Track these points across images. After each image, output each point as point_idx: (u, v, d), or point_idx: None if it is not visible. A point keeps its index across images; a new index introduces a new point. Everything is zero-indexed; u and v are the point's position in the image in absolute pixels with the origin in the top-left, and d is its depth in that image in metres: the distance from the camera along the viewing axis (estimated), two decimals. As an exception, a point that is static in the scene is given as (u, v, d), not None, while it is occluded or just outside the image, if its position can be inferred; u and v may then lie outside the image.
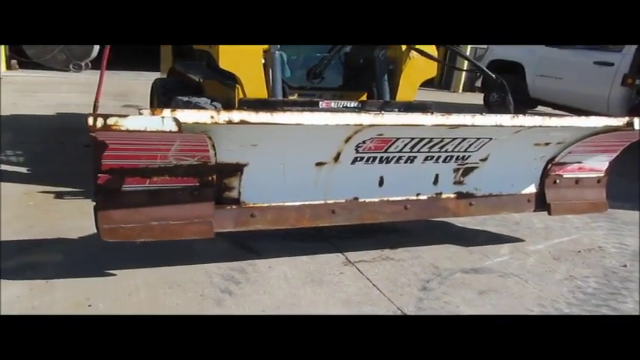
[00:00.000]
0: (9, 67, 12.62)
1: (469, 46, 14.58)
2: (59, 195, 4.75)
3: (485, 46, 12.20)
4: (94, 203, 3.06)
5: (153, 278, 3.48)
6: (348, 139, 3.35)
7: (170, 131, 2.61)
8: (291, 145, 3.28)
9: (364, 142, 3.41)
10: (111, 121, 2.58)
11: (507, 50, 10.45)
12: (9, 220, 4.17)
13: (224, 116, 2.73)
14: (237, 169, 3.27)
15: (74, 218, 4.24)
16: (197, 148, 2.99)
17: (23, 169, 5.50)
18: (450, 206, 4.03)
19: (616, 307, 3.65)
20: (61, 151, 6.19)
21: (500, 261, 4.21)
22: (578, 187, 4.41)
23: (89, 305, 3.14)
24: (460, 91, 15.48)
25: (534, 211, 4.36)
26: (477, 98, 12.71)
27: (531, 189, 4.28)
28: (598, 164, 4.39)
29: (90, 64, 13.57)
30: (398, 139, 3.49)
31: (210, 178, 3.16)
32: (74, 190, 4.83)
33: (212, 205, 3.25)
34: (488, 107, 11.03)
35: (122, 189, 3.00)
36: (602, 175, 4.46)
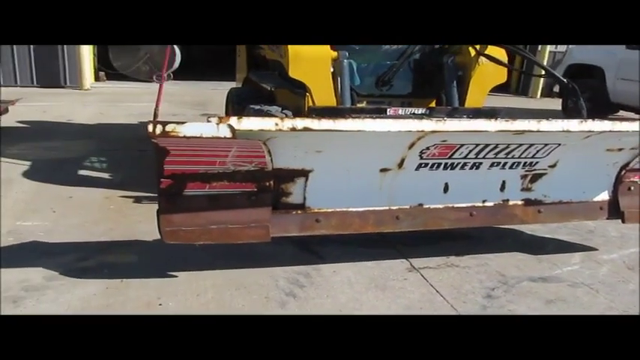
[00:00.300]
0: (97, 78, 13.29)
1: (547, 50, 14.25)
2: (138, 200, 4.98)
3: (564, 50, 11.87)
4: (157, 207, 3.21)
5: (221, 280, 3.60)
6: (411, 146, 3.38)
7: (225, 137, 2.72)
8: (356, 151, 3.34)
9: (428, 148, 3.43)
10: (169, 127, 2.72)
11: (586, 54, 10.16)
12: (90, 222, 4.42)
13: (288, 123, 2.82)
14: (302, 174, 3.36)
15: (150, 222, 4.36)
16: (253, 154, 3.08)
17: (106, 175, 5.81)
18: (517, 213, 3.98)
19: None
20: (141, 158, 6.45)
21: (570, 270, 4.11)
22: (654, 194, 4.25)
23: (159, 304, 3.29)
24: (538, 96, 15.08)
25: (607, 219, 4.25)
26: (556, 104, 12.37)
27: (604, 196, 4.17)
28: (675, 171, 4.23)
29: (172, 74, 14.08)
30: (462, 145, 3.49)
31: (267, 184, 3.26)
32: (152, 195, 5.02)
33: (269, 210, 3.34)
34: (566, 113, 10.73)
35: (183, 193, 3.14)
36: (680, 182, 4.28)
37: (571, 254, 4.40)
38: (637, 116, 9.40)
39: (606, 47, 9.32)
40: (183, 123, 2.74)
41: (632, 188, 4.19)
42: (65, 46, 11.77)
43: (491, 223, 4.05)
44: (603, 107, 9.74)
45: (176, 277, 3.61)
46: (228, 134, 2.73)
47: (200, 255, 3.75)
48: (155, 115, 3.44)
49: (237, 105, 5.80)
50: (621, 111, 10.21)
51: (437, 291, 3.65)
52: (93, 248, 3.97)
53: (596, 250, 4.52)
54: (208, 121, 2.74)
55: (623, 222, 4.22)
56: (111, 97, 11.10)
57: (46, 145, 6.88)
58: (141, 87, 12.78)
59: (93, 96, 11.18)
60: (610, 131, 3.51)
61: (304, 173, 3.37)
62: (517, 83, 15.31)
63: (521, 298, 3.64)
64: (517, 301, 3.60)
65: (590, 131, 3.52)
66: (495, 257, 4.21)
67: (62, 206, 4.77)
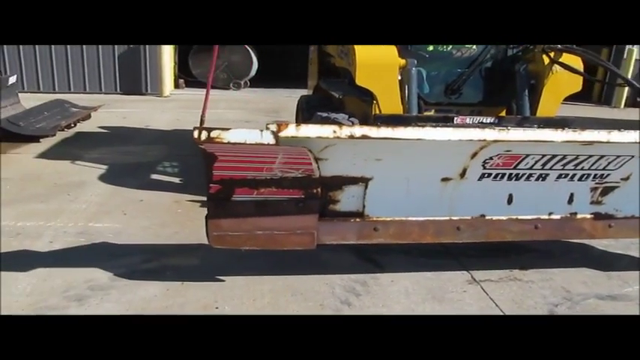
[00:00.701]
0: (176, 86, 13.71)
1: (634, 58, 13.62)
2: (204, 204, 5.08)
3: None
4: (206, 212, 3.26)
5: (278, 286, 3.64)
6: (474, 155, 3.31)
7: (268, 144, 2.73)
8: (416, 160, 3.30)
9: (491, 158, 3.36)
10: (214, 134, 2.77)
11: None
12: (157, 225, 4.56)
13: (346, 131, 2.83)
14: (361, 182, 3.35)
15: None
16: (300, 161, 3.08)
17: (176, 180, 5.97)
18: (585, 227, 3.83)
19: None
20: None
21: (642, 289, 3.93)
22: None
23: (216, 307, 3.36)
24: (622, 106, 14.42)
25: None
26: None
27: (683, 211, 3.94)
28: None
29: (248, 82, 14.38)
30: (528, 155, 3.39)
31: (314, 191, 3.24)
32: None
33: (316, 217, 3.34)
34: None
35: (232, 199, 3.17)
36: None
37: (644, 272, 4.19)
38: None
39: None
40: (227, 129, 2.78)
41: None
42: (147, 54, 12.23)
43: (558, 236, 3.91)
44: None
45: (235, 281, 3.67)
46: (272, 141, 2.76)
47: (259, 260, 3.81)
48: (201, 122, 3.51)
49: (306, 112, 5.85)
50: None
51: (496, 305, 3.56)
52: (158, 250, 4.09)
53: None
54: (267, 128, 2.78)
55: None
56: (188, 103, 11.41)
57: (123, 150, 7.15)
58: (218, 94, 13.10)
59: (171, 103, 11.53)
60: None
61: (363, 181, 3.35)
62: (599, 92, 14.70)
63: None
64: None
65: None
66: (561, 272, 4.06)
67: (133, 209, 4.95)
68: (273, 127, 2.75)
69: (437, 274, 3.92)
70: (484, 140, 3.08)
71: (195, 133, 2.81)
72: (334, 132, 2.81)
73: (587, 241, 4.42)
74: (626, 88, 13.64)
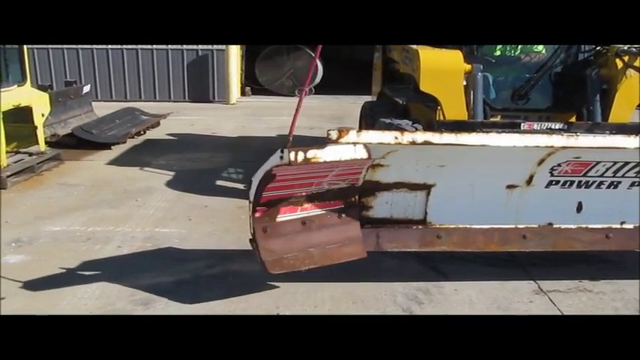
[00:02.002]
0: (243, 93, 13.93)
1: None
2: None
3: None
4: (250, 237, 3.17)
5: (339, 293, 3.62)
6: (541, 162, 3.22)
7: (361, 159, 2.69)
8: (480, 166, 3.24)
9: (559, 165, 3.26)
10: (310, 154, 2.68)
11: None
12: (221, 231, 4.62)
13: (408, 137, 2.79)
14: (423, 188, 3.31)
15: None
16: (352, 171, 3.04)
17: (240, 186, 6.03)
18: (661, 238, 3.65)
19: None
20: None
21: None
22: None
23: (277, 314, 3.36)
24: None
25: None
26: None
27: None
28: None
29: (313, 89, 14.46)
30: (599, 162, 3.28)
31: (353, 199, 3.21)
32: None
33: (358, 225, 3.29)
34: None
35: (277, 219, 3.11)
36: None
37: None
38: None
39: None
40: (322, 147, 2.69)
41: None
42: (215, 62, 12.50)
43: (631, 247, 3.74)
44: None
45: (296, 287, 3.66)
46: (365, 155, 2.71)
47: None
48: (290, 141, 3.40)
49: (369, 118, 5.83)
50: None
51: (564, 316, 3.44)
52: (222, 256, 4.14)
53: None
54: (328, 135, 2.76)
55: None
56: (254, 110, 11.57)
57: (189, 157, 7.30)
58: (283, 101, 13.22)
59: (238, 110, 11.72)
60: None
61: (426, 187, 3.31)
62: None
63: (662, 331, 3.33)
64: (657, 334, 3.30)
65: None
66: (634, 284, 3.88)
67: (198, 215, 5.04)
68: (334, 134, 2.74)
69: (502, 283, 3.81)
70: (551, 147, 2.99)
71: (292, 155, 2.67)
72: (396, 138, 2.78)
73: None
74: None
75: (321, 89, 14.36)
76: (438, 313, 3.42)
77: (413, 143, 2.79)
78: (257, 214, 3.08)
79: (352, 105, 12.03)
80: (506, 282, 3.83)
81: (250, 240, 3.20)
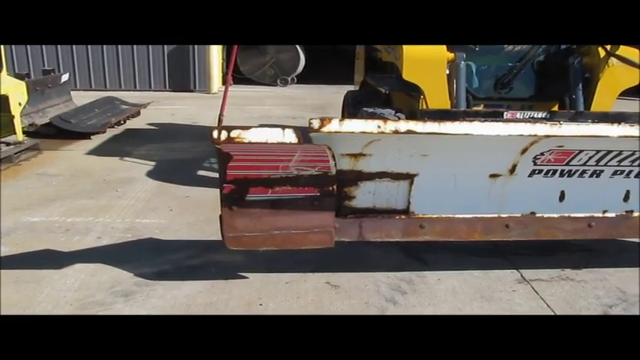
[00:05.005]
0: (224, 82, 13.83)
1: None
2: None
3: None
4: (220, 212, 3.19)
5: (322, 283, 3.59)
6: (524, 151, 3.21)
7: (290, 143, 2.68)
8: (463, 155, 3.21)
9: (542, 153, 3.24)
10: (234, 134, 2.73)
11: None
12: (203, 221, 4.57)
13: (390, 126, 2.76)
14: (406, 178, 3.28)
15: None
16: (317, 158, 3.02)
17: (220, 176, 5.98)
18: (642, 226, 3.67)
19: None
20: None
21: (702, 290, 3.74)
22: None
23: (260, 305, 3.33)
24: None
25: None
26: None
27: None
28: None
29: (295, 78, 14.41)
30: (581, 151, 3.27)
31: (330, 188, 3.17)
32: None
33: (332, 214, 3.26)
34: None
35: (246, 198, 3.10)
36: None
37: None
38: None
39: None
40: (248, 128, 2.75)
41: None
42: (196, 52, 12.38)
43: (613, 235, 3.76)
44: None
45: (279, 277, 3.64)
46: (294, 139, 2.70)
47: (303, 257, 3.76)
48: (219, 121, 3.47)
49: (352, 108, 5.80)
50: None
51: (547, 305, 3.44)
52: (203, 246, 4.09)
53: None
54: (310, 124, 2.73)
55: None
56: (236, 100, 11.46)
57: (170, 146, 7.23)
58: (265, 90, 13.17)
59: (219, 99, 11.57)
60: None
61: (409, 177, 3.28)
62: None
63: (642, 318, 3.35)
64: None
65: None
66: (616, 272, 3.90)
67: (179, 205, 4.98)
68: (316, 123, 2.70)
69: (485, 272, 3.81)
70: (535, 135, 2.97)
71: (215, 133, 2.78)
72: (378, 127, 2.74)
73: (644, 240, 4.23)
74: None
75: (303, 79, 14.31)
76: (421, 303, 3.41)
77: (396, 132, 2.75)
78: (224, 191, 3.08)
79: (335, 94, 12.02)
80: (490, 271, 3.83)
81: (220, 216, 3.21)
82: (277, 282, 3.60)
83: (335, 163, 3.09)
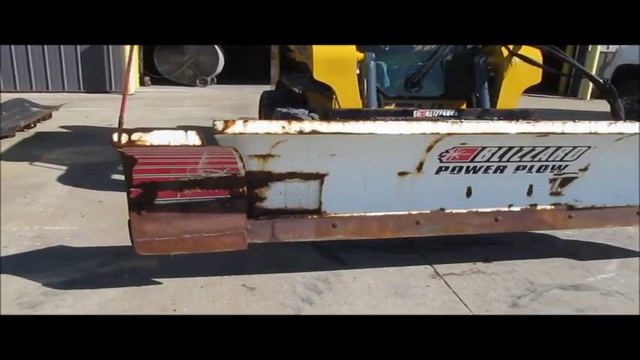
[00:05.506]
0: (142, 83, 13.51)
1: (598, 51, 13.83)
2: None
3: (614, 51, 11.46)
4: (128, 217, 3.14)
5: (238, 286, 3.57)
6: (429, 149, 3.27)
7: (194, 145, 2.65)
8: (371, 154, 3.25)
9: (447, 151, 3.32)
10: (135, 136, 2.67)
11: (636, 54, 9.75)
12: (116, 226, 4.43)
13: (295, 127, 2.75)
14: (316, 178, 3.29)
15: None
16: (225, 160, 3.00)
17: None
18: (546, 218, 3.81)
19: None
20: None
21: (604, 278, 3.92)
22: None
23: (174, 310, 3.28)
24: (588, 98, 14.59)
25: None
26: (607, 106, 11.93)
27: (641, 201, 3.95)
28: None
29: (215, 78, 14.23)
30: (484, 148, 3.36)
31: (240, 190, 3.15)
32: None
33: (244, 216, 3.24)
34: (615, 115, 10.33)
35: (155, 202, 3.05)
36: None
37: (607, 261, 4.20)
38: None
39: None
40: (150, 130, 2.69)
41: None
42: (111, 51, 12.03)
43: (519, 228, 3.88)
44: (656, 109, 9.35)
45: (194, 282, 3.60)
46: (197, 142, 2.66)
47: (219, 260, 3.73)
48: (120, 124, 3.37)
49: (268, 108, 5.78)
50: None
51: (460, 299, 3.53)
52: (116, 253, 3.98)
53: (635, 256, 4.29)
54: (214, 126, 2.69)
55: None
56: (154, 101, 11.26)
57: (83, 150, 7.01)
58: (184, 91, 12.96)
59: (136, 101, 11.34)
60: (643, 133, 3.31)
61: (319, 177, 3.29)
62: (566, 85, 14.88)
63: (548, 307, 3.49)
64: (544, 310, 3.45)
65: (620, 133, 3.34)
66: (525, 264, 4.05)
67: (91, 210, 4.83)
68: (220, 124, 2.66)
69: (400, 269, 3.88)
70: (437, 133, 3.03)
71: (115, 136, 2.70)
72: (283, 127, 2.73)
73: (550, 231, 4.42)
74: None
75: (223, 79, 14.16)
76: (337, 302, 3.44)
77: (301, 133, 2.75)
78: (132, 196, 3.02)
79: (255, 94, 11.87)
80: (404, 267, 3.90)
81: (128, 221, 3.14)
82: (192, 286, 3.55)
83: (243, 165, 3.07)
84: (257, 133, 2.71)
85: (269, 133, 2.74)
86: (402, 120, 3.70)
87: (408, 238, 3.95)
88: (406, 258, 4.03)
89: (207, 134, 2.86)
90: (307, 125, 2.75)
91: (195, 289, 3.52)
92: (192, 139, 2.69)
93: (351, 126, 2.81)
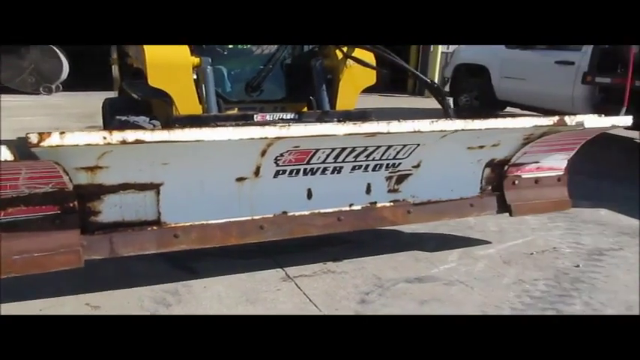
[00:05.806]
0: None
1: (440, 51, 14.66)
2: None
3: (452, 50, 12.19)
4: None
5: (81, 305, 3.41)
6: (263, 153, 3.27)
7: (6, 160, 2.50)
8: (206, 161, 3.21)
9: (282, 154, 3.34)
10: None
11: (472, 54, 10.45)
12: None
13: (117, 137, 2.63)
14: (152, 188, 3.22)
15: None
16: (48, 175, 2.87)
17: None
18: (386, 215, 3.94)
19: (563, 309, 3.55)
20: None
21: (446, 268, 4.12)
22: (538, 186, 4.35)
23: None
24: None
25: (497, 213, 4.30)
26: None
27: (473, 193, 4.20)
28: (556, 163, 4.34)
29: (61, 86, 13.54)
30: (318, 150, 3.41)
31: (71, 205, 3.03)
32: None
33: (77, 232, 3.11)
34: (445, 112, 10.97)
35: None
36: (562, 173, 4.39)
37: (449, 251, 4.41)
38: (520, 112, 9.74)
39: (490, 47, 9.56)
40: None
41: (517, 182, 4.25)
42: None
43: (361, 226, 3.96)
44: (491, 105, 10.04)
45: (32, 305, 3.39)
46: (10, 157, 2.49)
47: (57, 280, 3.47)
48: None
49: (109, 116, 5.58)
50: (508, 107, 10.49)
51: (310, 300, 3.57)
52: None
53: (474, 245, 4.57)
54: (27, 138, 2.53)
55: (511, 215, 4.29)
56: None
57: None
58: (27, 100, 12.22)
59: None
60: (463, 130, 3.49)
61: (154, 187, 3.22)
62: (413, 84, 15.61)
63: (395, 301, 3.60)
64: (391, 304, 3.56)
65: (442, 131, 3.50)
66: (373, 260, 4.17)
67: None
68: (34, 137, 2.51)
69: (251, 274, 3.87)
70: (266, 138, 3.04)
71: None
72: (104, 138, 2.60)
73: (397, 227, 4.57)
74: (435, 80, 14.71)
75: (70, 86, 13.49)
76: (186, 313, 3.38)
77: (124, 142, 2.64)
78: None
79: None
80: (256, 273, 3.89)
81: None
82: (31, 310, 3.34)
83: (70, 178, 2.93)
84: (77, 145, 2.58)
85: (90, 145, 2.62)
86: (235, 125, 3.71)
87: (260, 243, 3.94)
88: (258, 263, 4.02)
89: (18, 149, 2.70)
90: (130, 135, 2.66)
91: (34, 312, 3.32)
92: (4, 154, 2.51)
93: (176, 134, 2.75)
